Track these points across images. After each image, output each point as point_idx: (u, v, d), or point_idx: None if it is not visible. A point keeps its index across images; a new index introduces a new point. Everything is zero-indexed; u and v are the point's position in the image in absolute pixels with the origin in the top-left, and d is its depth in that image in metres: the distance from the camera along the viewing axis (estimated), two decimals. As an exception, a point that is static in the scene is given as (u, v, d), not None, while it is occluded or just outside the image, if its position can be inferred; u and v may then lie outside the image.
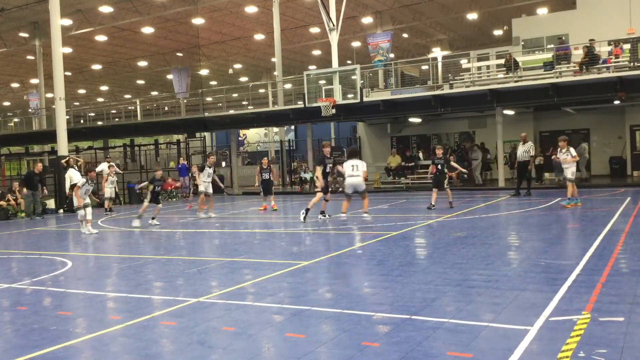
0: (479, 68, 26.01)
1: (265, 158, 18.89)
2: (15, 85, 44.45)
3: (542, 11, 31.42)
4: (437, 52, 36.55)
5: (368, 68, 25.89)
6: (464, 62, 27.80)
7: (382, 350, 4.60)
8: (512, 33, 27.75)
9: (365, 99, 22.65)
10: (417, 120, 26.62)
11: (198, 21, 30.26)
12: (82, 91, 47.40)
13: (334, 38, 25.12)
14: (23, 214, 19.28)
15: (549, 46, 24.81)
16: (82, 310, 6.50)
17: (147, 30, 31.67)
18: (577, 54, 21.31)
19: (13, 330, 5.77)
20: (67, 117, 22.93)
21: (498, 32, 36.74)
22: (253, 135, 47.35)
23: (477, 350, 4.47)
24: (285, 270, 7.84)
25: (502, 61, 23.58)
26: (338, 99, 22.53)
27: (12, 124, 45.81)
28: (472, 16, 32.94)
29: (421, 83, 26.41)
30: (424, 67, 28.72)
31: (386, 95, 24.25)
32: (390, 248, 9.53)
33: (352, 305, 5.94)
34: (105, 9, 27.71)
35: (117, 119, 37.22)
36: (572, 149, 14.37)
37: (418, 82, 26.84)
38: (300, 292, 6.66)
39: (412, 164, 25.73)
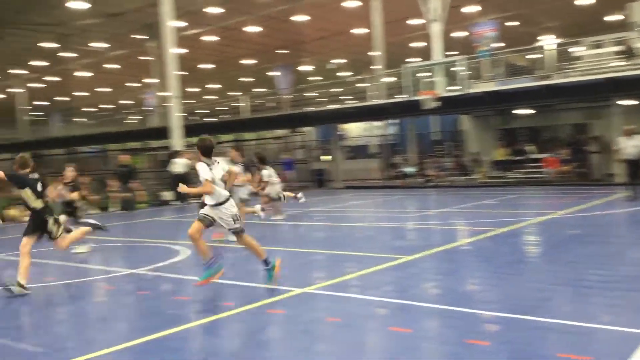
0: (594, 55, 24.42)
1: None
2: (133, 84, 47.51)
3: (665, -8, 28.84)
4: (547, 40, 34.70)
5: (472, 58, 25.10)
6: (576, 50, 26.20)
7: (490, 349, 4.50)
8: (629, 18, 25.75)
9: (469, 91, 22.05)
10: (526, 111, 25.49)
11: (300, 18, 30.78)
12: (193, 89, 49.80)
13: (435, 29, 24.64)
14: (144, 205, 20.60)
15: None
16: (197, 296, 6.88)
17: (253, 29, 32.66)
18: None
19: (136, 313, 6.23)
20: (184, 114, 24.23)
21: (613, 18, 34.24)
22: (354, 129, 47.44)
23: (591, 353, 4.25)
24: (389, 264, 7.84)
25: (618, 48, 21.99)
26: (440, 91, 22.13)
27: (132, 121, 49.16)
28: (585, 1, 30.97)
29: (530, 73, 25.25)
30: (533, 56, 27.42)
31: (492, 86, 23.42)
32: (498, 245, 9.25)
33: (458, 302, 5.83)
34: (214, 10, 28.89)
35: (225, 115, 38.78)
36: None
37: (526, 71, 25.68)
38: (404, 287, 6.64)
39: (521, 157, 24.72)
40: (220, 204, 6.55)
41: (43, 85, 45.66)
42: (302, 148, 32.17)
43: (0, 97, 48.96)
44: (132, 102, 53.01)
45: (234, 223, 6.63)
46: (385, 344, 4.88)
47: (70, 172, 10.75)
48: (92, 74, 42.26)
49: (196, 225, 6.46)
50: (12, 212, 17.43)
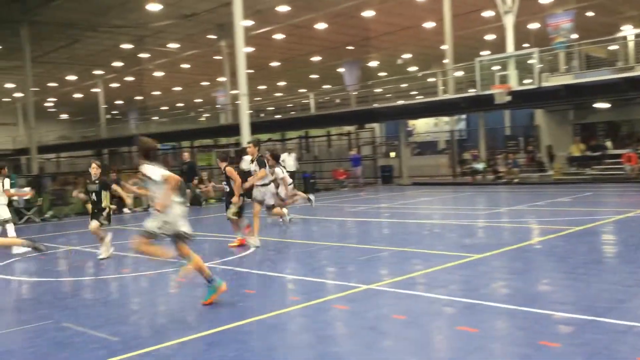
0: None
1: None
2: (204, 83, 48.87)
3: None
4: (628, 30, 32.90)
5: (547, 51, 24.20)
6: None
7: (562, 351, 4.34)
8: None
9: (544, 84, 21.30)
10: (605, 105, 24.33)
11: (368, 14, 30.66)
12: (262, 87, 50.65)
13: (509, 21, 23.94)
14: (213, 201, 21.17)
15: None
16: (264, 290, 7.01)
17: (320, 26, 32.84)
18: None
19: (206, 305, 6.41)
20: (250, 111, 24.68)
21: None
22: (422, 125, 46.88)
23: (675, 360, 4.02)
24: (457, 262, 7.70)
25: None
26: (513, 85, 21.52)
27: (203, 119, 50.57)
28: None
29: (609, 65, 24.06)
30: (613, 48, 26.11)
31: (568, 80, 22.49)
32: (572, 244, 8.89)
33: (529, 302, 5.65)
34: (283, 8, 29.26)
35: (293, 112, 39.25)
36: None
37: (605, 64, 24.49)
38: (473, 286, 6.50)
39: (599, 153, 23.64)
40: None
41: (120, 85, 47.71)
42: (369, 144, 32.05)
43: (81, 97, 51.56)
44: (203, 100, 54.60)
45: (156, 231, 5.92)
46: (452, 343, 4.80)
47: (94, 169, 9.44)
48: (166, 74, 43.80)
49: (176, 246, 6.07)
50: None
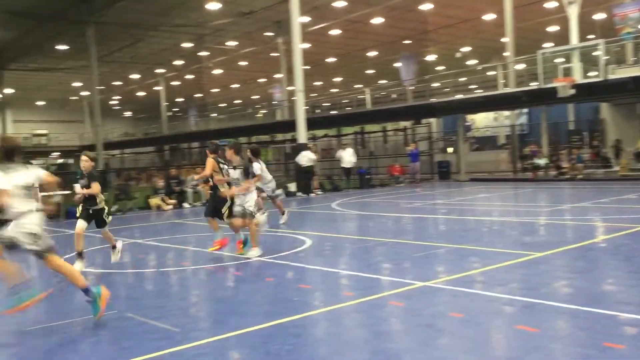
0: None
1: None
2: (261, 80, 49.50)
3: None
4: None
5: (614, 42, 23.21)
6: None
7: (628, 353, 4.18)
8: None
9: (610, 77, 20.47)
10: (677, 98, 23.12)
11: (426, 6, 30.24)
12: (318, 83, 50.84)
13: (573, 11, 23.11)
14: (264, 195, 21.49)
15: None
16: (319, 285, 7.06)
17: (377, 20, 32.64)
18: None
19: (262, 298, 6.52)
20: (306, 107, 24.83)
21: None
22: (481, 119, 45.89)
23: None
24: (517, 260, 7.51)
25: None
26: (578, 78, 20.79)
27: (260, 115, 51.29)
28: None
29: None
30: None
31: (637, 72, 21.51)
32: (638, 242, 8.53)
33: (593, 302, 5.46)
34: (339, 4, 29.25)
35: (348, 108, 39.22)
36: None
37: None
38: (533, 285, 6.33)
39: (669, 148, 22.49)
40: (19, 217, 5.34)
41: (180, 83, 48.95)
42: (426, 139, 31.63)
43: (144, 95, 53.22)
44: (260, 97, 55.29)
45: (33, 244, 5.38)
46: (511, 343, 4.70)
47: (85, 162, 8.22)
48: (225, 71, 44.60)
49: None
50: (155, 200, 18.94)
